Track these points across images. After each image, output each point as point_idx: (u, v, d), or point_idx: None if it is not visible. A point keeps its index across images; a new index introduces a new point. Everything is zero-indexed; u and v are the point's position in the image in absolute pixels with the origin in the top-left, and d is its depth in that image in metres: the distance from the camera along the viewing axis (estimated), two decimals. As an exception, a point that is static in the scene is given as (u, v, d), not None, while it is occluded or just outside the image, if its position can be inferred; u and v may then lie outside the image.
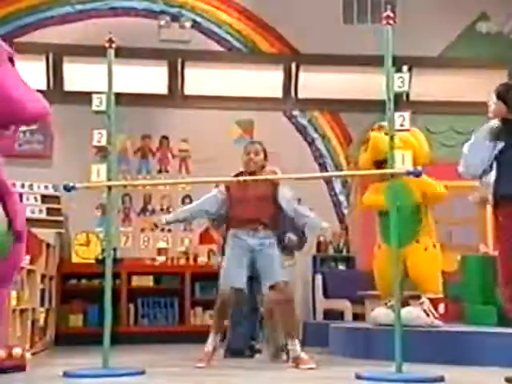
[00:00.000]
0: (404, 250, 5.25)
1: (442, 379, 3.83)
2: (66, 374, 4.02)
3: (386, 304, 5.49)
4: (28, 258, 5.58)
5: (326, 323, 6.65)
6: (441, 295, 5.46)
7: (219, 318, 4.70)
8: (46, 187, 7.12)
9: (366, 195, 5.77)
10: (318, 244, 8.68)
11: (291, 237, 5.33)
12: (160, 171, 8.77)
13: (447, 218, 7.69)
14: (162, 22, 8.74)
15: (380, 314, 5.50)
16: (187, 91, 8.81)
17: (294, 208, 4.74)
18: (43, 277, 6.38)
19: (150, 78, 8.74)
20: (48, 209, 7.03)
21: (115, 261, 5.92)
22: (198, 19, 8.91)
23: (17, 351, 4.28)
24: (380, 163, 4.98)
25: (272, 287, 4.61)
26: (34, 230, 5.89)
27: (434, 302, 5.38)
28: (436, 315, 5.34)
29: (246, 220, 4.63)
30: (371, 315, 5.72)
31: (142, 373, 4.11)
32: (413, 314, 5.25)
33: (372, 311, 5.80)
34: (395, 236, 4.11)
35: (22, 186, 6.93)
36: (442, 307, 5.41)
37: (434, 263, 5.49)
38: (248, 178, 4.67)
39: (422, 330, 5.12)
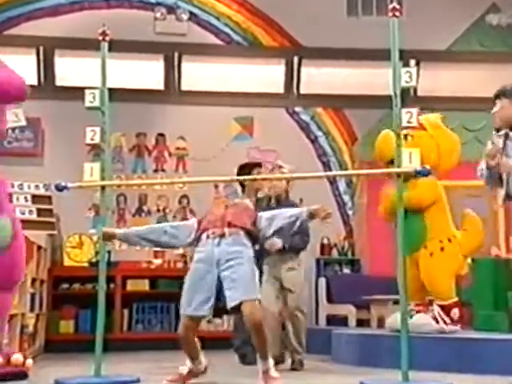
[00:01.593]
0: (416, 256, 5.20)
1: (450, 388, 3.79)
2: (56, 383, 3.99)
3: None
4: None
5: (329, 329, 6.49)
6: (453, 300, 5.23)
7: (184, 348, 4.05)
8: (36, 187, 6.93)
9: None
10: (322, 246, 8.53)
11: (274, 240, 4.81)
12: (156, 170, 8.63)
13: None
14: (158, 14, 8.63)
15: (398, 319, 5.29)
16: (184, 86, 8.68)
17: (270, 214, 4.10)
18: (34, 281, 6.29)
19: (146, 72, 8.63)
20: (39, 209, 6.84)
21: (109, 264, 5.99)
22: (196, 11, 8.79)
23: (17, 357, 4.20)
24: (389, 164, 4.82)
25: (234, 309, 3.89)
26: (25, 232, 5.70)
27: (446, 308, 5.17)
28: (448, 321, 5.15)
29: (213, 221, 4.01)
30: (387, 321, 5.52)
31: (137, 381, 4.07)
32: (421, 320, 5.11)
33: (390, 317, 5.54)
34: (400, 242, 3.98)
35: (12, 185, 6.72)
36: (455, 312, 5.18)
37: (440, 269, 5.23)
38: (247, 177, 4.23)
39: (429, 336, 4.98)
